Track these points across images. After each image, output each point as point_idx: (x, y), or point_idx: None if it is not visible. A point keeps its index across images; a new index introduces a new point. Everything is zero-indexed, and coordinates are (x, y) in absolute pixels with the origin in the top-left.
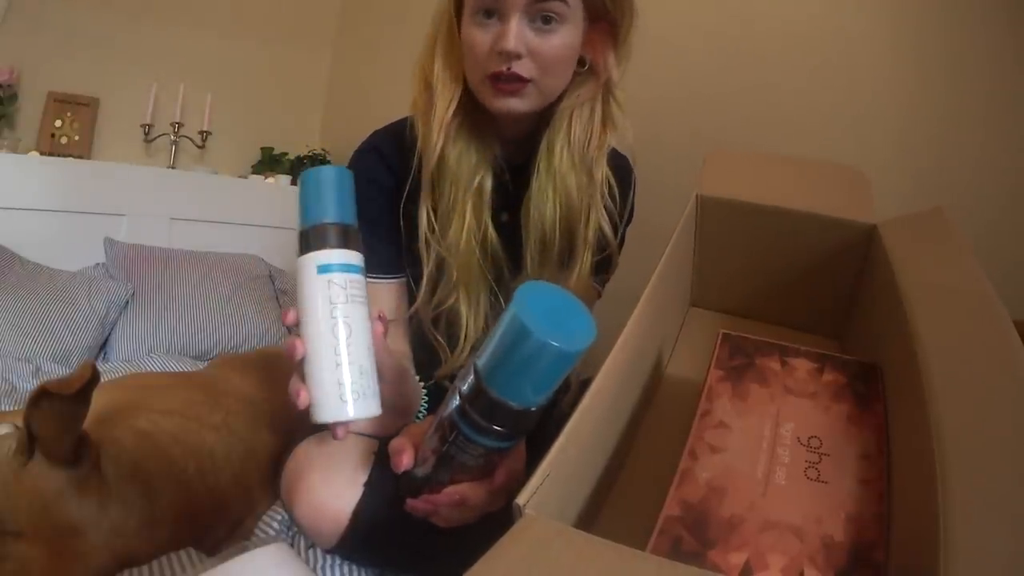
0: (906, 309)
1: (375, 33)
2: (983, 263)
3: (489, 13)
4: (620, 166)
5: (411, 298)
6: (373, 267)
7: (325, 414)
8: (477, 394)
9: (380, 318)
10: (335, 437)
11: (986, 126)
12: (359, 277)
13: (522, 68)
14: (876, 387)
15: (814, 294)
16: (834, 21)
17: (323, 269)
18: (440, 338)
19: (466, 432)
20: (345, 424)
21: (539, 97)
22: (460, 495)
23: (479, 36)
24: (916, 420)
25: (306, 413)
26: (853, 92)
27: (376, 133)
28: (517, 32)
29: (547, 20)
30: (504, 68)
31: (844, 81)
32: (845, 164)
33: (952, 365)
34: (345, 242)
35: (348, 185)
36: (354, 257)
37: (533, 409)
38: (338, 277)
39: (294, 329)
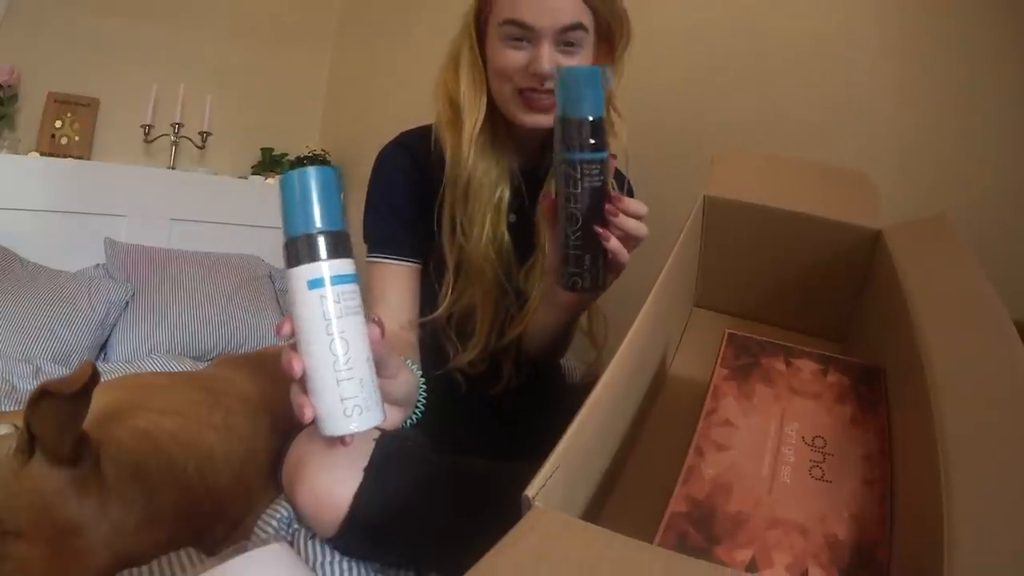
0: (910, 313)
1: (375, 33)
2: (986, 268)
3: (520, 38)
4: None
5: (432, 298)
6: (393, 249)
7: (329, 429)
8: (566, 129)
9: (376, 321)
10: (343, 444)
11: (991, 132)
12: (352, 286)
13: (552, 85)
14: (879, 389)
15: (818, 297)
16: (839, 24)
17: (314, 284)
18: (452, 335)
19: (578, 159)
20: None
21: None
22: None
23: (511, 56)
24: (919, 422)
25: (312, 425)
26: (858, 97)
27: (405, 133)
28: (550, 56)
29: (570, 44)
30: (539, 85)
31: (849, 86)
32: (851, 169)
33: (955, 369)
34: (335, 251)
35: (333, 186)
36: (345, 266)
37: (593, 119)
38: (331, 291)
39: (288, 339)
